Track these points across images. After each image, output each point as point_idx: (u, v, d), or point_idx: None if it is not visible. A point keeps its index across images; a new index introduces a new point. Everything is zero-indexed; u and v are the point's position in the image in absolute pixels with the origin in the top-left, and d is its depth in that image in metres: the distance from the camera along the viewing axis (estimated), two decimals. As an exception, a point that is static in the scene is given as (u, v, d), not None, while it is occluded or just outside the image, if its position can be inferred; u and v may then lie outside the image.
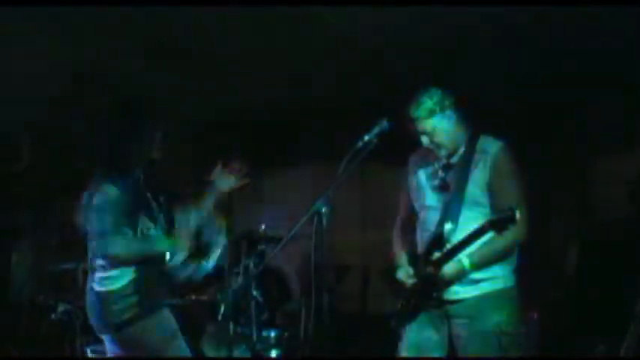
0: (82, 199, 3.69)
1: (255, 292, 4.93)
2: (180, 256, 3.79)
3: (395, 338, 3.65)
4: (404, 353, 3.58)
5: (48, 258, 6.45)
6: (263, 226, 5.21)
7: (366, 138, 3.37)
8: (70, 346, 5.33)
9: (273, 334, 5.10)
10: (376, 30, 4.85)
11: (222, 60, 5.36)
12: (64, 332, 5.51)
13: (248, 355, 4.84)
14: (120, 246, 3.54)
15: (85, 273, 5.16)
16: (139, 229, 3.62)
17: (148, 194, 3.77)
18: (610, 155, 6.01)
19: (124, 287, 3.58)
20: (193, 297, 5.14)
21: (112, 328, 3.60)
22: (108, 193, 3.56)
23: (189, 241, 3.76)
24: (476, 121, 3.66)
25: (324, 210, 3.23)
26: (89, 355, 5.01)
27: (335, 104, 6.22)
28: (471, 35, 4.82)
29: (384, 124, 3.40)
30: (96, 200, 3.58)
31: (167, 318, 3.69)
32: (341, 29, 4.75)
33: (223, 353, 4.75)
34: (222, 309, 4.85)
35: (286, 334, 5.16)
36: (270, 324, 5.17)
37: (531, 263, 3.72)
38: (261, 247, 4.97)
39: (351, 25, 4.74)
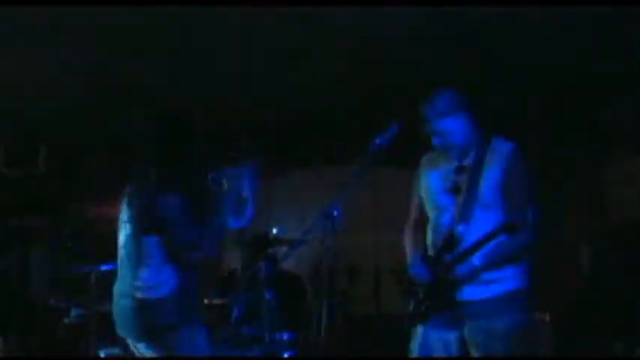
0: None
1: (267, 295, 4.94)
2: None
3: (407, 339, 3.65)
4: (416, 354, 3.57)
5: (63, 261, 6.48)
6: (275, 230, 5.22)
7: (378, 141, 3.39)
8: (84, 349, 5.35)
9: (285, 337, 5.10)
10: (389, 32, 4.85)
11: (232, 61, 5.37)
12: (77, 335, 5.54)
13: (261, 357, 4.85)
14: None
15: (99, 277, 5.23)
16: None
17: None
18: (624, 156, 5.99)
19: (168, 295, 3.56)
20: (206, 301, 5.16)
21: (153, 333, 3.57)
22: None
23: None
24: (488, 121, 3.67)
25: (335, 213, 3.25)
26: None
27: (346, 107, 6.23)
28: (483, 35, 4.82)
29: (396, 127, 3.42)
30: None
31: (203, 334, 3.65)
32: (353, 31, 4.75)
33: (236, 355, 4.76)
34: (235, 312, 4.87)
35: (299, 336, 5.16)
36: (282, 326, 5.17)
37: (544, 264, 3.71)
38: (272, 250, 4.99)
39: (364, 27, 4.74)
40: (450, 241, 3.47)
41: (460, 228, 3.44)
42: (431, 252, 3.60)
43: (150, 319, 3.57)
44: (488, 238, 3.33)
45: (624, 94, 5.64)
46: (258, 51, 5.11)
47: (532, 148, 3.61)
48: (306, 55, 5.22)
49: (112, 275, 5.25)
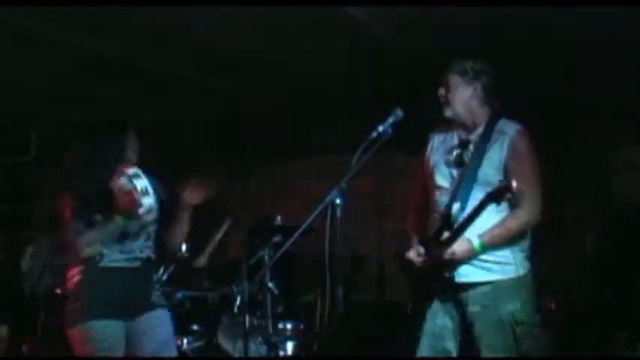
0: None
1: (270, 284, 4.92)
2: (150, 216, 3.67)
3: (411, 327, 3.63)
4: (421, 341, 3.55)
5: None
6: (279, 218, 5.20)
7: (381, 128, 3.35)
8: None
9: (289, 326, 5.08)
10: (389, 21, 4.82)
11: (234, 51, 5.35)
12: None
13: (264, 347, 4.83)
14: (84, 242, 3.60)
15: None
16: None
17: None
18: (628, 143, 5.97)
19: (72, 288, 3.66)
20: (209, 288, 5.14)
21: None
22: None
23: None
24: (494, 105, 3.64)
25: (338, 201, 3.22)
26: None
27: (348, 94, 6.19)
28: (486, 28, 4.78)
29: (399, 113, 3.39)
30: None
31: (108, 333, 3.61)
32: (352, 20, 4.72)
33: (239, 345, 4.74)
34: (238, 301, 4.85)
35: (302, 325, 5.15)
36: (286, 315, 5.16)
37: (548, 251, 3.68)
38: (275, 238, 4.96)
39: (363, 16, 4.71)
40: (446, 219, 3.46)
41: (456, 206, 3.44)
42: (430, 232, 3.58)
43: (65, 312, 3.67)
44: (477, 210, 3.31)
45: (627, 82, 5.60)
46: (260, 39, 5.08)
47: (535, 135, 3.56)
48: (310, 46, 5.19)
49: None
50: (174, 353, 3.79)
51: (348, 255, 6.36)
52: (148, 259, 3.75)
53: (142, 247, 3.73)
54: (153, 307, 3.73)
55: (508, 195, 3.20)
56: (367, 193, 6.45)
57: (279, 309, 5.05)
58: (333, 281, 3.34)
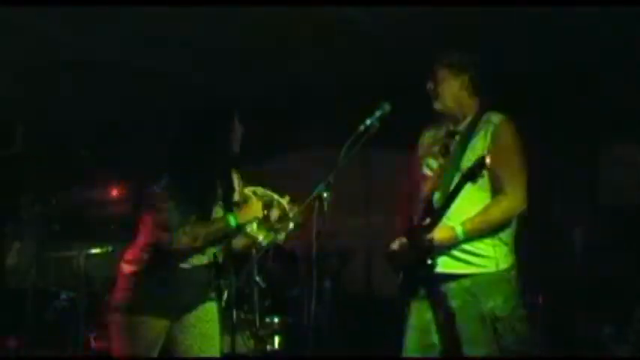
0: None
1: (257, 278, 4.90)
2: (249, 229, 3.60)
3: (398, 320, 3.63)
4: (409, 336, 3.57)
5: (51, 245, 6.44)
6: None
7: (368, 122, 3.37)
8: (74, 334, 5.32)
9: (276, 320, 5.07)
10: (377, 15, 4.83)
11: (221, 46, 5.34)
12: (67, 319, 5.50)
13: (251, 341, 4.82)
14: (184, 237, 3.40)
15: (87, 259, 5.22)
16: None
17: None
18: (619, 141, 6.00)
19: (131, 274, 3.47)
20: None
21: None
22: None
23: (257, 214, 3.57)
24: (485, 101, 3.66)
25: (325, 195, 3.22)
26: (92, 342, 5.01)
27: (336, 89, 6.20)
28: (486, 27, 4.81)
29: (386, 107, 3.41)
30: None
31: (151, 330, 3.47)
32: (341, 15, 4.73)
33: (226, 340, 4.73)
34: (225, 295, 4.83)
35: (290, 319, 5.14)
36: (273, 309, 5.15)
37: (536, 247, 3.68)
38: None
39: (352, 10, 4.71)
40: (428, 207, 3.48)
41: (438, 194, 3.45)
42: (414, 221, 3.59)
43: (114, 293, 3.51)
44: (455, 192, 3.33)
45: (621, 80, 5.62)
46: (258, 37, 5.09)
47: (527, 131, 3.57)
48: (298, 41, 5.19)
49: (99, 258, 5.26)
50: (216, 349, 3.65)
51: (336, 249, 6.38)
52: (215, 258, 3.62)
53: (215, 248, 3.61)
54: (204, 300, 3.63)
55: (483, 171, 3.22)
56: (355, 189, 6.44)
57: (267, 303, 5.03)
58: (320, 275, 3.33)
